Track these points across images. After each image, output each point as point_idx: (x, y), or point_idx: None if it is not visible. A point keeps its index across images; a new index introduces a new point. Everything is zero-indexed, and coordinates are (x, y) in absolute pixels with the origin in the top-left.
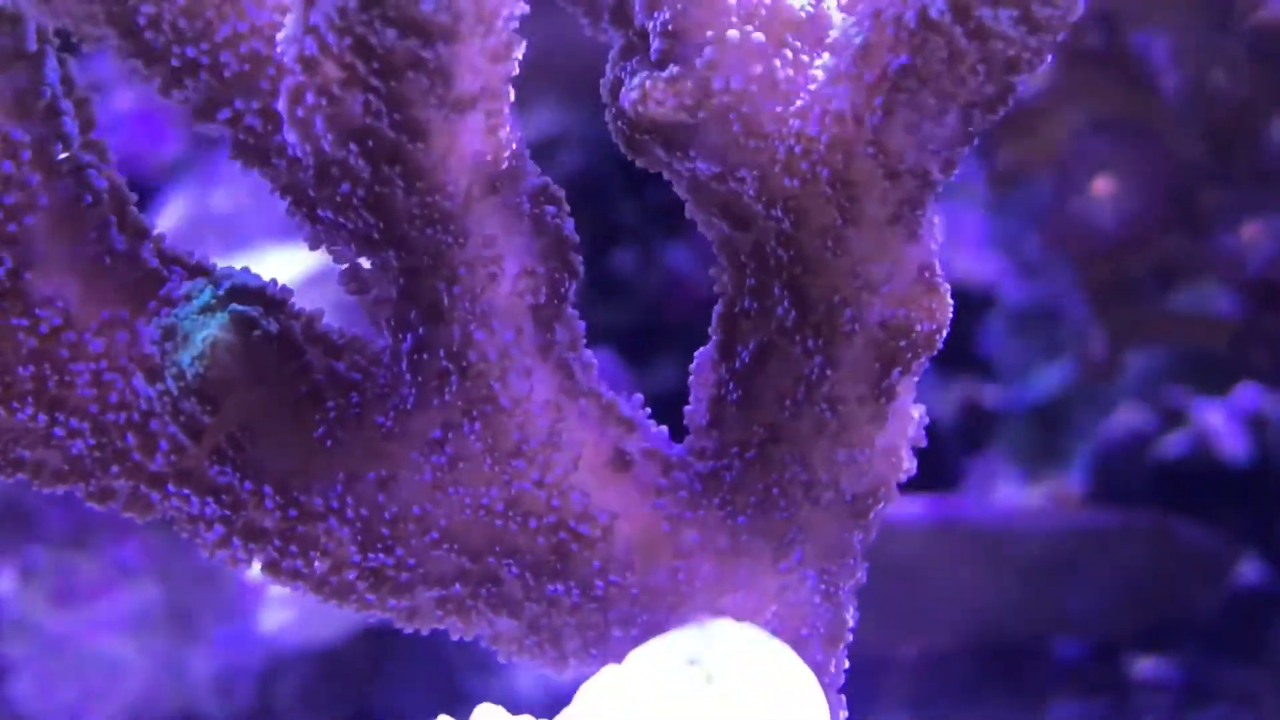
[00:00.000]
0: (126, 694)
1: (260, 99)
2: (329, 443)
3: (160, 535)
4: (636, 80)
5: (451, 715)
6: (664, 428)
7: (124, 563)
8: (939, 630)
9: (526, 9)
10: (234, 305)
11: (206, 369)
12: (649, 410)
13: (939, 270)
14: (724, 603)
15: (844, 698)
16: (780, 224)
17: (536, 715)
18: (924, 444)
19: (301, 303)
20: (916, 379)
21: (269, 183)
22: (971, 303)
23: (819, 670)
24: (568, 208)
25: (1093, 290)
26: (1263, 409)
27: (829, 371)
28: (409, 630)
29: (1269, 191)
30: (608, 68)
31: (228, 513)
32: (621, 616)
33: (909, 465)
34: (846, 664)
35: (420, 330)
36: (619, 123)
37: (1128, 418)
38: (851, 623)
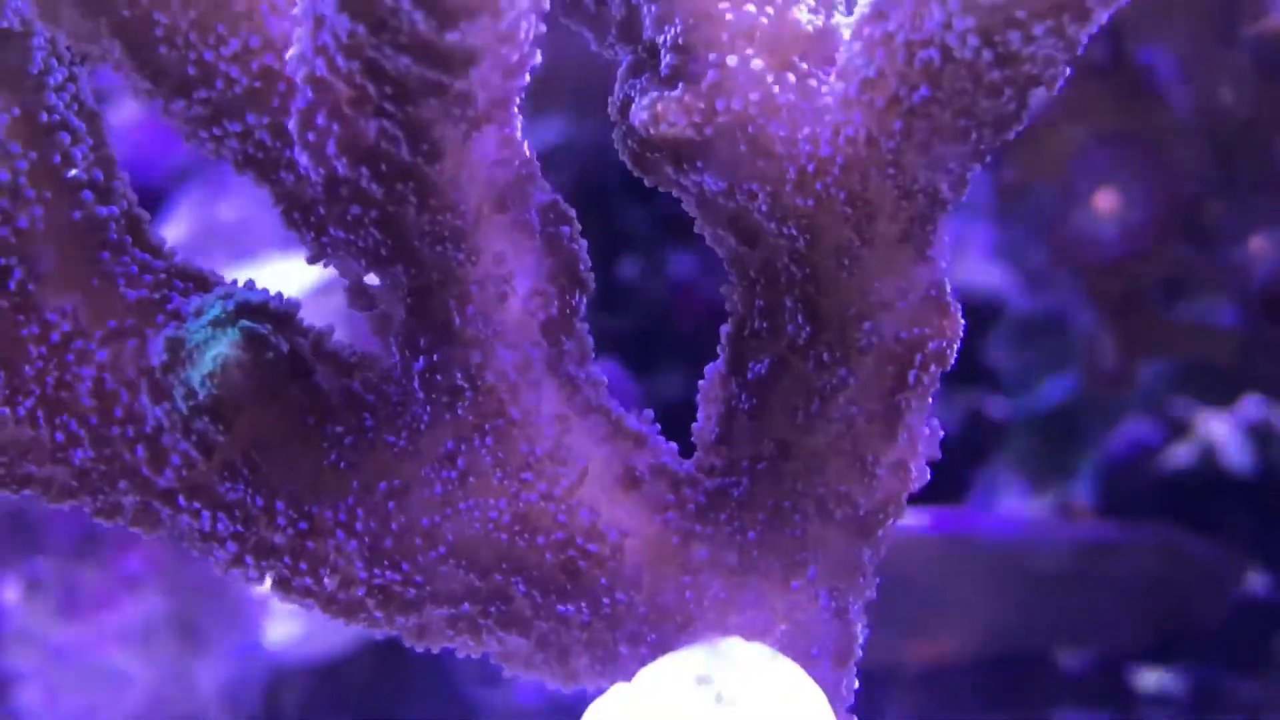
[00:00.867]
0: (132, 705)
1: (270, 114)
2: (341, 462)
3: (165, 546)
4: (647, 99)
5: None
6: (673, 444)
7: (129, 574)
8: (944, 641)
9: (543, 28)
10: (243, 322)
11: (218, 387)
12: (657, 425)
13: (949, 288)
14: (733, 621)
15: (855, 717)
16: (794, 242)
17: None
18: (937, 458)
19: (309, 312)
20: (928, 396)
21: (272, 197)
22: (977, 314)
23: (828, 689)
24: (578, 225)
25: (1100, 302)
26: (1268, 420)
27: (840, 388)
28: (419, 648)
29: (1275, 204)
30: (616, 86)
31: (240, 529)
32: (630, 634)
33: (920, 480)
34: (856, 682)
35: (431, 348)
36: (629, 141)
37: (1133, 429)
38: (861, 640)
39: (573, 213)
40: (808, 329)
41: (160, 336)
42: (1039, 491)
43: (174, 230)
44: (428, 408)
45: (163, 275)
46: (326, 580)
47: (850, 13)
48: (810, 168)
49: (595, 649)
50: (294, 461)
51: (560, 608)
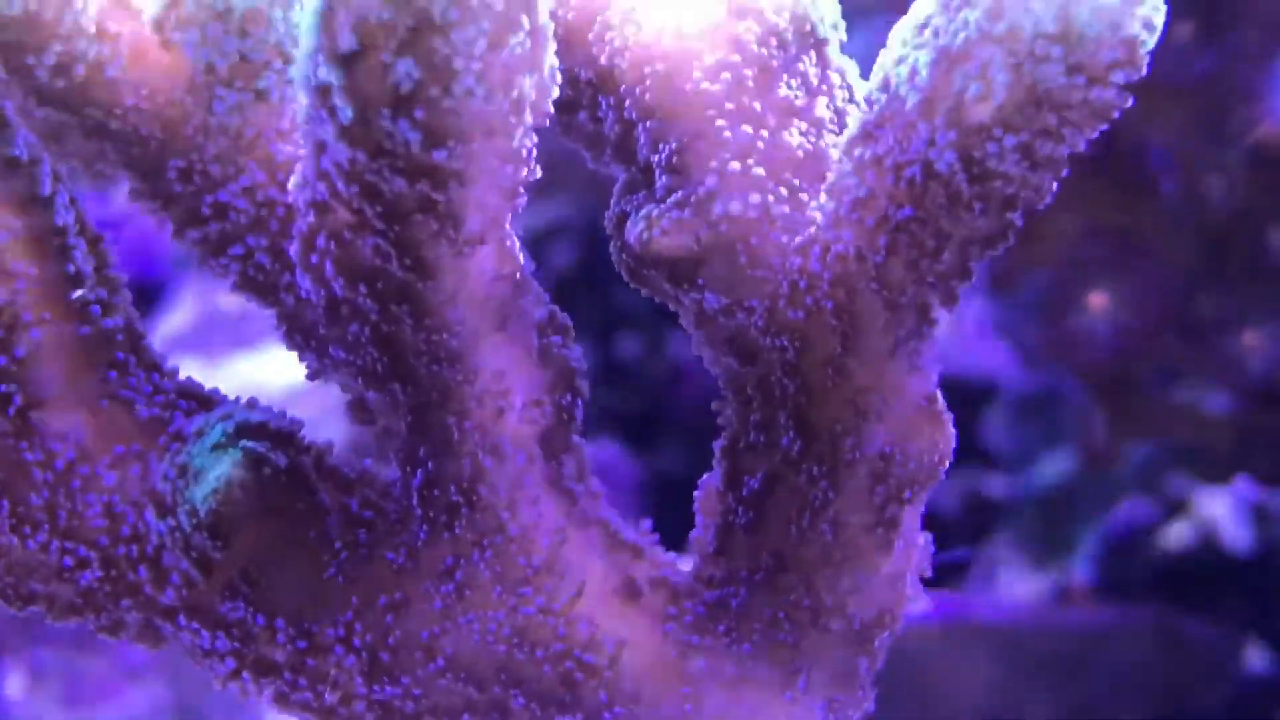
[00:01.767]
0: None
1: (269, 237)
2: (341, 579)
3: None
4: (642, 214)
5: None
6: (672, 554)
7: (132, 664)
8: None
9: (536, 169)
10: (245, 442)
11: (219, 505)
12: (656, 535)
13: (941, 401)
14: None
15: None
16: (785, 354)
17: None
18: (929, 574)
19: (310, 401)
20: (921, 507)
21: (274, 317)
22: (973, 392)
23: None
24: (573, 334)
25: (1093, 386)
26: (1262, 500)
27: (833, 500)
28: None
29: (1267, 298)
30: (612, 202)
31: (239, 646)
32: None
33: (915, 593)
34: None
35: (430, 464)
36: (624, 255)
37: (1131, 509)
38: None
39: (568, 321)
40: (800, 442)
41: (166, 459)
42: (1039, 570)
43: (176, 319)
44: (425, 525)
45: (168, 395)
46: (326, 695)
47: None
48: (801, 282)
49: None
50: (294, 577)
51: (559, 719)
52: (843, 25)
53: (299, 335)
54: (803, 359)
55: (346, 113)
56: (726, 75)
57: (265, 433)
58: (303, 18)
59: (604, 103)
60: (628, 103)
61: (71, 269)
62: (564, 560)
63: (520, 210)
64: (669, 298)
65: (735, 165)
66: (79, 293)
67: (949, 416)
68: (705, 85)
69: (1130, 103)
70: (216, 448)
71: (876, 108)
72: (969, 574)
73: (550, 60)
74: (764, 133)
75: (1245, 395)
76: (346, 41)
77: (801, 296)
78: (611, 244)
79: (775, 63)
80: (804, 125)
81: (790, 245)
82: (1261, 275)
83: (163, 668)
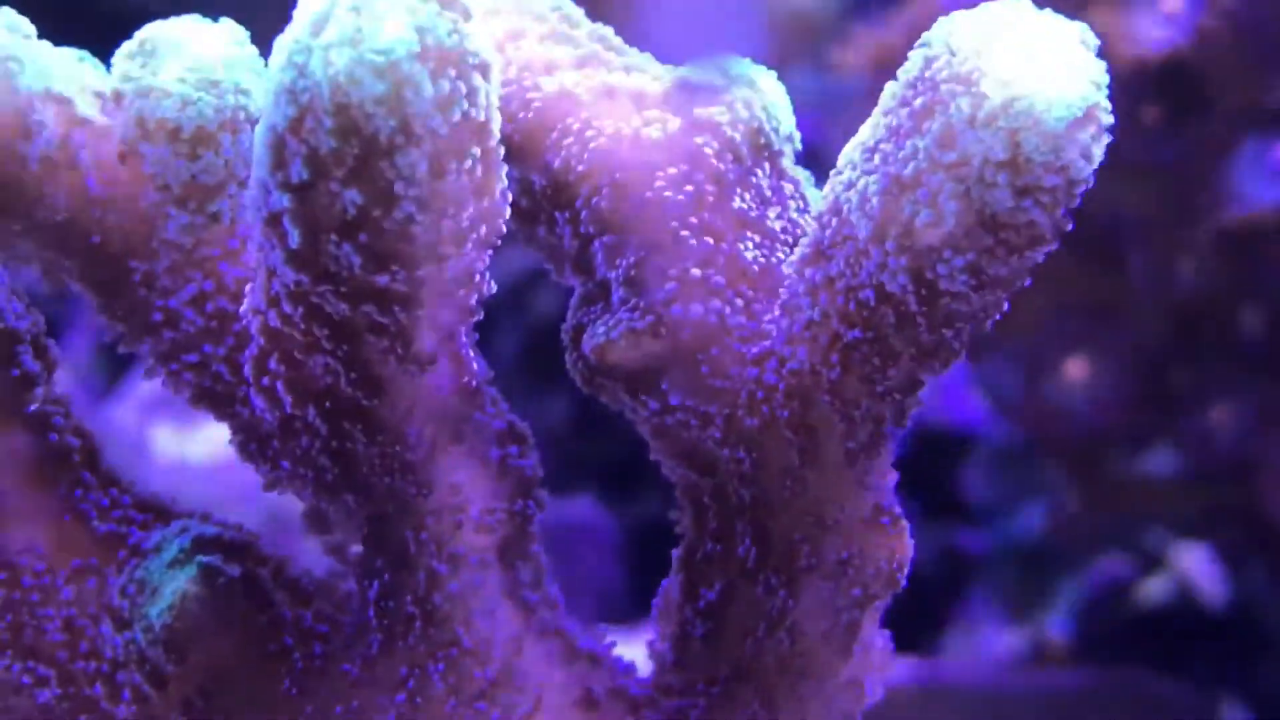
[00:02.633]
0: None
1: (226, 349)
2: (295, 691)
3: None
4: (600, 326)
5: None
6: (630, 661)
7: None
8: None
9: (491, 285)
10: (200, 557)
11: (175, 620)
12: (613, 642)
13: (898, 510)
14: None
15: None
16: (742, 465)
17: None
18: (891, 673)
19: (233, 475)
20: (878, 614)
21: (228, 428)
22: (950, 445)
23: None
24: (532, 442)
25: (1062, 456)
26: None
27: (791, 609)
28: None
29: (1237, 374)
30: (569, 314)
31: None
32: None
33: (875, 696)
34: None
35: (386, 575)
36: (580, 365)
37: (1107, 566)
38: None
39: (527, 430)
40: (756, 551)
41: (124, 574)
42: (1016, 625)
43: (149, 381)
44: (380, 635)
45: (125, 509)
46: None
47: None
48: (759, 393)
49: None
50: (249, 690)
51: None
52: (797, 136)
53: (254, 446)
54: (760, 470)
55: (295, 237)
56: (686, 187)
57: (221, 545)
58: (254, 147)
59: (559, 217)
60: (584, 215)
61: (19, 375)
62: (521, 672)
63: (476, 319)
64: (626, 409)
65: (695, 272)
66: (35, 406)
67: (906, 524)
68: (665, 196)
69: (1069, 227)
70: (173, 563)
71: (828, 230)
72: (946, 629)
73: (501, 184)
74: (721, 244)
75: (1211, 468)
76: (297, 173)
77: (758, 406)
78: (567, 355)
79: (731, 175)
80: (758, 238)
81: (748, 355)
82: (1231, 353)
83: None
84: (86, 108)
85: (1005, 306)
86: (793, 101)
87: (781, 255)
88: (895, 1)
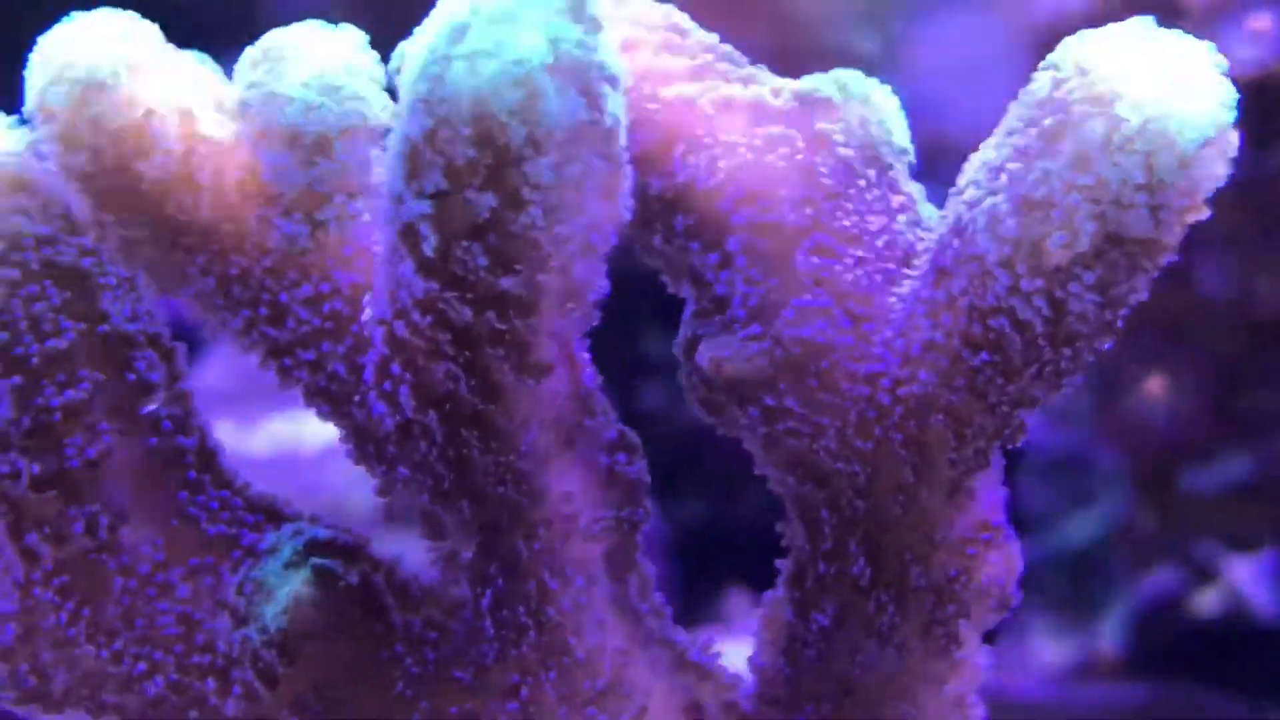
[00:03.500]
0: None
1: (344, 348)
2: (409, 694)
3: None
4: (716, 341)
5: None
6: (738, 673)
7: None
8: None
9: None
10: (315, 559)
11: (289, 622)
12: (719, 654)
13: (1007, 526)
14: None
15: None
16: (855, 479)
17: None
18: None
19: (345, 463)
20: (984, 628)
21: (341, 430)
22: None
23: None
24: (641, 450)
25: (1131, 471)
26: None
27: (899, 626)
28: None
29: None
30: (683, 327)
31: None
32: None
33: (978, 711)
34: None
35: (500, 584)
36: (694, 379)
37: (1160, 578)
38: None
39: (637, 440)
40: (870, 570)
41: (239, 574)
42: (1067, 636)
43: (210, 376)
44: (495, 644)
45: (237, 511)
46: None
47: None
48: (870, 413)
49: None
50: (362, 694)
51: None
52: (911, 150)
53: (370, 449)
54: (872, 486)
55: (429, 244)
56: (807, 207)
57: (335, 548)
58: (388, 158)
59: (679, 228)
60: (705, 228)
61: (135, 379)
62: (629, 682)
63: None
64: (737, 425)
65: (807, 294)
66: (150, 407)
67: (1015, 541)
68: (786, 215)
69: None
70: (288, 565)
71: (949, 250)
72: (996, 639)
73: (623, 193)
74: (833, 261)
75: None
76: (434, 181)
77: (870, 427)
78: (680, 369)
79: (844, 190)
80: (870, 254)
81: (858, 374)
82: None
83: None
84: (207, 119)
85: (1120, 325)
86: None
87: (894, 273)
88: None
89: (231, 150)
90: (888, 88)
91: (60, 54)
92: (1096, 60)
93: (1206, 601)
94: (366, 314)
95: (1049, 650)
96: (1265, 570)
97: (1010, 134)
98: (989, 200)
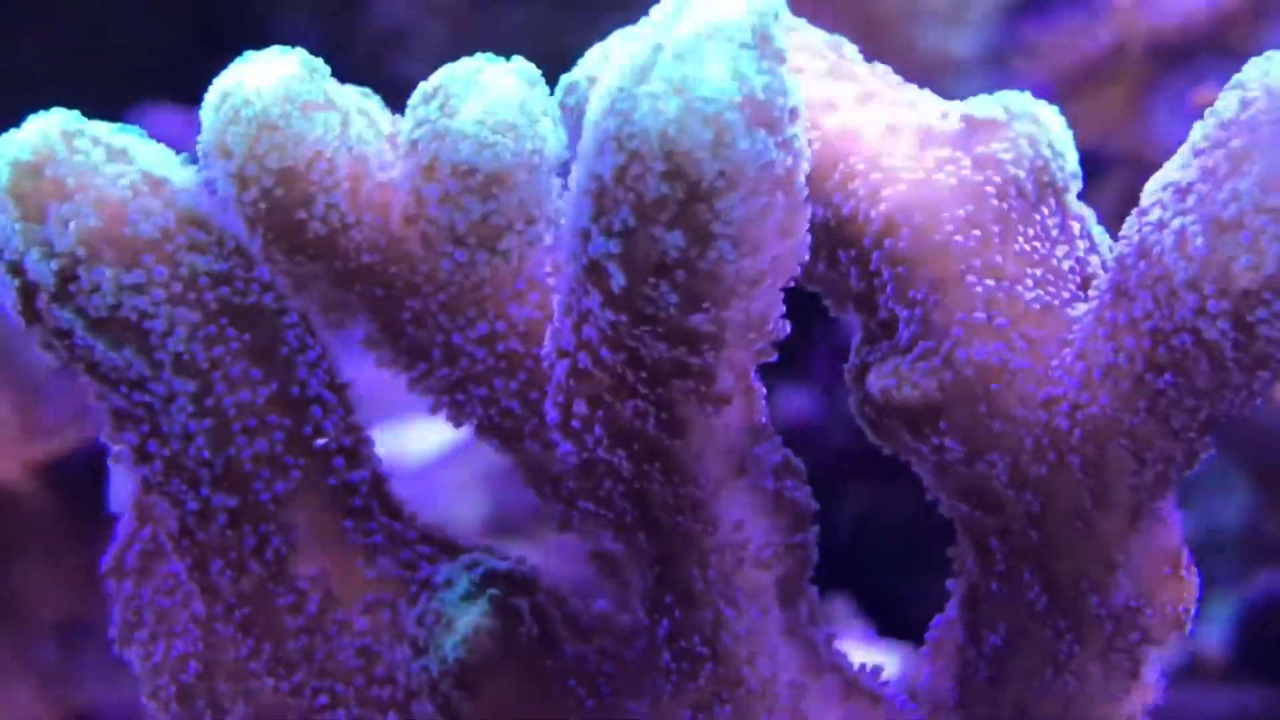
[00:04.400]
0: None
1: (518, 383)
2: None
3: None
4: (888, 366)
5: None
6: (904, 698)
7: None
8: None
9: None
10: (491, 590)
11: (469, 654)
12: (887, 680)
13: (1185, 551)
14: None
15: None
16: (1029, 506)
17: None
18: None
19: (450, 473)
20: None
21: (517, 463)
22: None
23: None
24: (805, 476)
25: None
26: None
27: (1078, 652)
28: None
29: None
30: (851, 354)
31: None
32: None
33: None
34: None
35: (677, 614)
36: (865, 407)
37: (1269, 579)
38: None
39: (801, 466)
40: (1045, 597)
41: (417, 606)
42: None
43: None
44: (672, 677)
45: (410, 543)
46: None
47: None
48: (1045, 439)
49: None
50: None
51: None
52: (1080, 173)
53: (546, 484)
54: (1048, 512)
55: (618, 281)
56: (972, 227)
57: (511, 580)
58: (571, 195)
59: (843, 256)
60: (872, 255)
61: (319, 417)
62: (803, 712)
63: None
64: (909, 451)
65: (981, 316)
66: (323, 442)
67: (1193, 566)
68: (953, 237)
69: None
70: (466, 597)
71: (1133, 272)
72: None
73: (804, 226)
74: (1006, 285)
75: None
76: (623, 219)
77: (1046, 453)
78: (851, 396)
79: (1015, 214)
80: (1042, 276)
81: (1035, 398)
82: None
83: None
84: (375, 158)
85: None
86: None
87: (1067, 295)
88: None
89: (399, 188)
90: (1055, 107)
91: (236, 92)
92: None
93: None
94: (547, 346)
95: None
96: None
97: (1197, 154)
98: (1177, 220)
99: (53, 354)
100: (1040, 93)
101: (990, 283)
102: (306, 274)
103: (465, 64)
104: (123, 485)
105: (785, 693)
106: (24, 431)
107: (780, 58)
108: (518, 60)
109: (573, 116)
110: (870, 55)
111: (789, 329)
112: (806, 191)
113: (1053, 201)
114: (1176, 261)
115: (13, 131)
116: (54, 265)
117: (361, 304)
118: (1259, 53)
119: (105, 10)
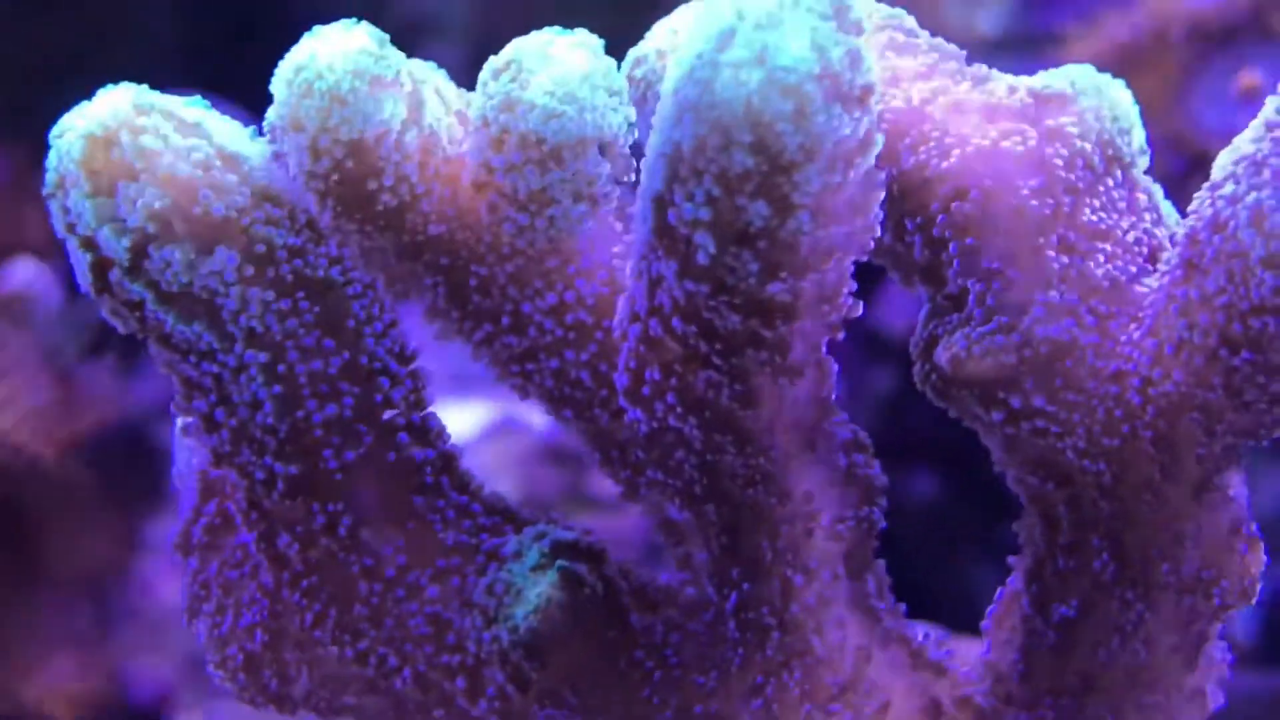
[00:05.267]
0: None
1: (588, 354)
2: (655, 698)
3: None
4: (958, 339)
5: None
6: (971, 672)
7: None
8: None
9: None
10: (561, 561)
11: (539, 623)
12: (952, 650)
13: (1252, 522)
14: None
15: None
16: (1100, 478)
17: None
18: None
19: (481, 455)
20: (1222, 623)
21: (581, 434)
22: None
23: None
24: (873, 451)
25: None
26: None
27: (1146, 623)
28: None
29: None
30: (919, 328)
31: None
32: None
33: (1217, 703)
34: None
35: (746, 586)
36: (933, 377)
37: None
38: None
39: (869, 441)
40: (1114, 566)
41: (487, 575)
42: None
43: None
44: (740, 649)
45: (477, 516)
46: None
47: None
48: (1118, 411)
49: None
50: (609, 695)
51: None
52: (1147, 147)
53: (614, 453)
54: (1119, 484)
55: (703, 252)
56: (1043, 199)
57: (579, 551)
58: (646, 162)
59: (909, 224)
60: (940, 220)
61: (381, 392)
62: (869, 679)
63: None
64: (977, 420)
65: (1052, 291)
66: (390, 414)
67: (1259, 537)
68: (1023, 208)
69: None
70: (536, 568)
71: (1207, 247)
72: None
73: (877, 200)
74: (1075, 258)
75: None
76: (706, 188)
77: (1118, 425)
78: (916, 366)
79: (1083, 186)
80: (1111, 250)
81: (1105, 371)
82: None
83: None
84: (444, 130)
85: None
86: None
87: (1134, 269)
88: None
89: (469, 160)
90: (1121, 82)
91: (309, 65)
92: None
93: None
94: (620, 313)
95: None
96: None
97: (1270, 127)
98: (1252, 195)
99: (122, 323)
100: None
101: (1063, 255)
102: (372, 248)
103: (535, 37)
104: (186, 460)
105: (851, 659)
106: (59, 411)
107: (858, 29)
108: (582, 33)
109: (639, 89)
110: None
111: (862, 309)
112: (881, 171)
113: (1119, 174)
114: (1253, 237)
115: (84, 105)
116: (125, 241)
117: (429, 272)
118: None
119: None
